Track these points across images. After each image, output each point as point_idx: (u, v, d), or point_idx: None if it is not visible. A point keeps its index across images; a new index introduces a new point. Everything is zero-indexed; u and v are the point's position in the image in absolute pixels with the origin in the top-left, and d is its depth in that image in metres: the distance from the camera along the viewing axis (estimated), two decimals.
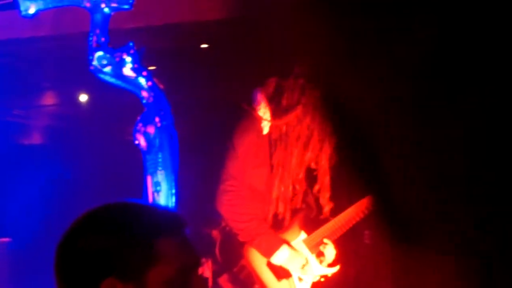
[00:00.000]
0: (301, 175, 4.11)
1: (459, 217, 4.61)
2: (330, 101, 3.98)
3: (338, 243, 4.29)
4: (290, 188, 4.10)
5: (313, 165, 4.12)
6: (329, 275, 4.19)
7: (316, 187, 4.15)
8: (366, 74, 4.89)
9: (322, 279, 4.18)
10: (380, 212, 4.24)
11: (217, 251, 4.17)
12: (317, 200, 4.19)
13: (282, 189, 4.08)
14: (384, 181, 4.39)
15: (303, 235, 4.20)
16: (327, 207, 4.18)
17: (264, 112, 4.05)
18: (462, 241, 4.79)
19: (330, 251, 4.19)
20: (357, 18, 4.91)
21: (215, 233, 4.19)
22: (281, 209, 4.10)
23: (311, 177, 4.15)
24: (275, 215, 4.12)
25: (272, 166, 4.08)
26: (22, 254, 4.96)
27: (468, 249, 4.77)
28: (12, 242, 4.96)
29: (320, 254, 4.19)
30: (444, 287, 4.86)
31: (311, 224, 4.23)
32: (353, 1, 4.95)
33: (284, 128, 4.03)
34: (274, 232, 4.09)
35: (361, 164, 4.70)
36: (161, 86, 4.47)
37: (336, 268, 4.19)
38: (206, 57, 6.18)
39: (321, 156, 4.09)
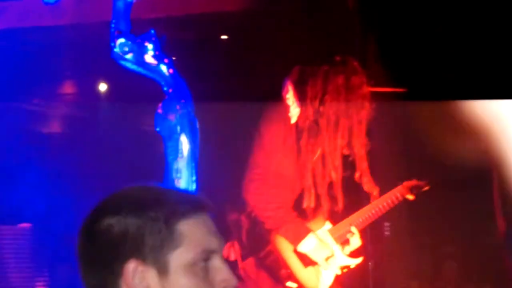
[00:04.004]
0: (337, 162, 4.07)
1: None
2: (354, 87, 3.94)
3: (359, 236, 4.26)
4: (321, 175, 4.07)
5: (345, 152, 4.07)
6: (352, 266, 4.16)
7: (357, 174, 4.12)
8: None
9: (345, 270, 4.16)
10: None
11: (243, 236, 4.16)
12: (351, 187, 4.14)
13: (313, 177, 4.05)
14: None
15: (327, 225, 4.18)
16: (374, 192, 4.15)
17: (292, 100, 4.02)
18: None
19: (355, 240, 4.16)
20: None
21: (242, 218, 4.17)
22: (311, 197, 4.08)
23: (349, 164, 4.11)
24: (306, 203, 4.09)
25: (300, 155, 4.05)
26: (42, 240, 4.97)
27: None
28: (32, 228, 4.97)
29: (345, 243, 4.16)
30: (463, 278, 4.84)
31: (335, 215, 4.21)
32: None
33: (311, 116, 4.00)
34: (301, 221, 4.07)
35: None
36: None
37: (360, 260, 4.16)
38: (225, 48, 6.18)
39: (353, 142, 4.04)
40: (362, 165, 4.12)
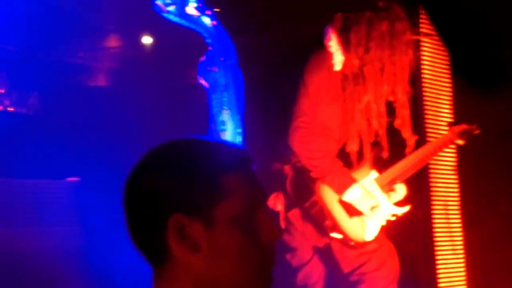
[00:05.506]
0: (382, 109, 4.02)
1: None
2: (398, 33, 3.87)
3: (406, 184, 4.22)
4: (366, 123, 4.03)
5: (390, 98, 4.03)
6: (399, 215, 4.12)
7: (397, 121, 4.07)
8: None
9: (393, 218, 4.12)
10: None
11: (288, 186, 4.14)
12: (396, 135, 4.10)
13: (359, 125, 4.02)
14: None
15: (373, 173, 4.14)
16: (411, 141, 4.10)
17: (335, 48, 3.97)
18: None
19: (401, 190, 4.13)
20: None
21: (286, 168, 4.15)
22: (357, 145, 4.04)
23: (393, 111, 4.06)
24: (351, 152, 4.06)
25: (345, 102, 4.01)
26: (89, 194, 5.00)
27: None
28: (80, 182, 5.01)
29: (391, 192, 4.13)
30: None
31: (382, 163, 4.17)
32: None
33: (356, 63, 3.94)
34: (347, 170, 4.04)
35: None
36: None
37: (407, 208, 4.12)
38: None
39: (397, 89, 3.99)
40: (404, 112, 4.06)
